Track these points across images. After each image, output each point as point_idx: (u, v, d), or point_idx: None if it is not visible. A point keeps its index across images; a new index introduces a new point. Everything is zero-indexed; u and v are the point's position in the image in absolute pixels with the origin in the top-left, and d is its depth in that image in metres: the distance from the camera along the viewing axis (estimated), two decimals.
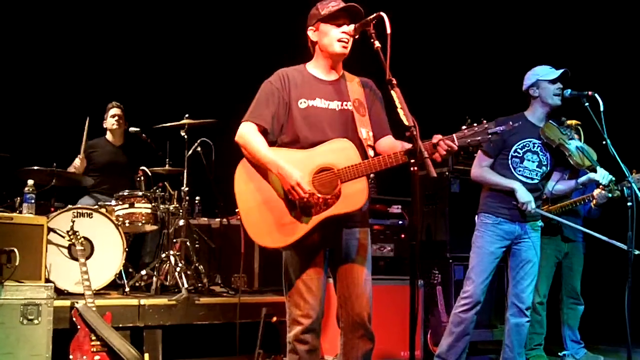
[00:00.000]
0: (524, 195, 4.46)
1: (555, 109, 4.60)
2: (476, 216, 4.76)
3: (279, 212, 3.10)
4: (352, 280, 3.24)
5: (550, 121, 4.59)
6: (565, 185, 5.22)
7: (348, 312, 3.24)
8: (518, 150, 4.57)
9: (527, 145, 4.58)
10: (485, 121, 2.98)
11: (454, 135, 2.98)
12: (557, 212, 5.38)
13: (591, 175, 4.66)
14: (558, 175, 4.91)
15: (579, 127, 5.55)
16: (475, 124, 2.98)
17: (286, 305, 3.25)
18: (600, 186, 5.00)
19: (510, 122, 3.31)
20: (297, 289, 3.18)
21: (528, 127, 4.59)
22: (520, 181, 4.54)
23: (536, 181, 4.61)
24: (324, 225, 3.09)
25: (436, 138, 2.96)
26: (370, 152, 3.20)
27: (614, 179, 4.68)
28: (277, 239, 3.11)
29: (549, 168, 4.64)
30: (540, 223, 4.70)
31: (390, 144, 3.29)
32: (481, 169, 4.63)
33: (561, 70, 4.55)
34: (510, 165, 4.58)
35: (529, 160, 4.57)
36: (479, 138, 2.95)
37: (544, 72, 4.61)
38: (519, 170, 4.58)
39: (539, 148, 4.59)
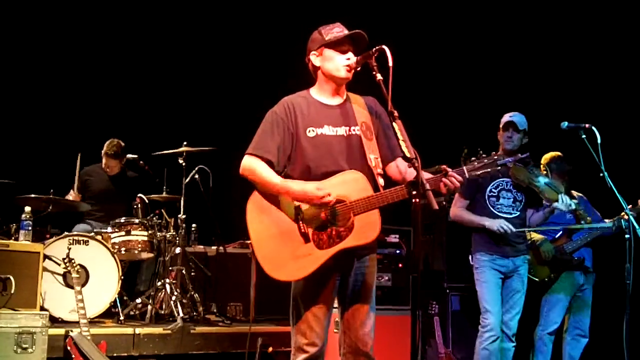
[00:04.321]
0: (494, 224, 4.71)
1: (522, 148, 4.77)
2: (470, 257, 4.95)
3: (291, 244, 3.08)
4: (357, 307, 3.24)
5: (516, 164, 4.65)
6: (537, 217, 5.30)
7: (351, 338, 3.23)
8: (493, 190, 4.83)
9: (501, 184, 4.82)
10: (494, 152, 3.02)
11: (464, 167, 3.02)
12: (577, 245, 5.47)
13: (554, 205, 4.81)
14: (530, 212, 5.17)
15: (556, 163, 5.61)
16: (484, 155, 3.01)
17: (292, 332, 3.23)
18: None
19: (519, 154, 3.45)
20: (305, 317, 3.17)
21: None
22: (503, 217, 4.77)
23: (517, 214, 4.86)
24: (337, 256, 3.09)
25: (444, 169, 2.98)
26: (381, 181, 3.19)
27: (571, 202, 4.78)
28: (291, 272, 3.10)
29: (524, 201, 4.89)
30: (528, 256, 4.91)
31: (398, 169, 3.29)
32: (458, 209, 4.92)
33: (508, 119, 4.80)
34: (489, 205, 4.81)
35: (504, 197, 4.83)
36: (489, 170, 3.00)
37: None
38: (498, 208, 4.83)
39: (511, 186, 4.83)
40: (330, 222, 3.08)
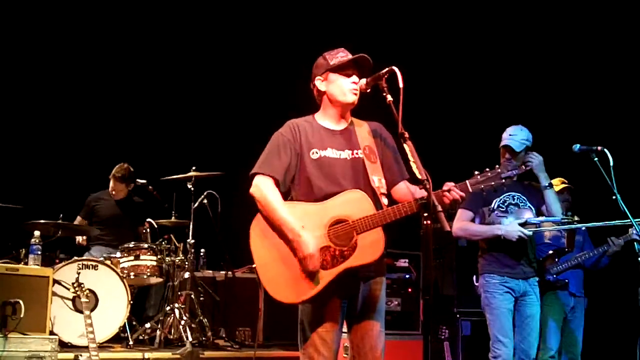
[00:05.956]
0: (510, 231, 4.42)
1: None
2: (475, 277, 4.73)
3: (295, 266, 3.06)
4: (366, 332, 3.21)
5: None
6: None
7: None
8: (501, 205, 4.59)
9: (508, 199, 4.60)
10: (497, 166, 3.01)
11: (467, 181, 3.01)
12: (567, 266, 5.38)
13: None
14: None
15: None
16: (487, 169, 3.00)
17: (300, 357, 3.20)
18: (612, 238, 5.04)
19: (523, 167, 3.38)
20: (312, 341, 3.14)
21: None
22: None
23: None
24: (341, 277, 3.07)
25: (447, 185, 2.99)
26: (384, 200, 3.18)
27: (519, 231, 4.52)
28: (295, 294, 3.07)
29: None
30: (537, 278, 4.68)
31: (405, 190, 3.28)
32: (462, 222, 4.61)
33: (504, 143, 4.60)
34: (495, 222, 4.55)
35: (512, 213, 4.56)
36: (492, 183, 2.98)
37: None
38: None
39: (519, 199, 4.60)
40: (333, 242, 3.06)
